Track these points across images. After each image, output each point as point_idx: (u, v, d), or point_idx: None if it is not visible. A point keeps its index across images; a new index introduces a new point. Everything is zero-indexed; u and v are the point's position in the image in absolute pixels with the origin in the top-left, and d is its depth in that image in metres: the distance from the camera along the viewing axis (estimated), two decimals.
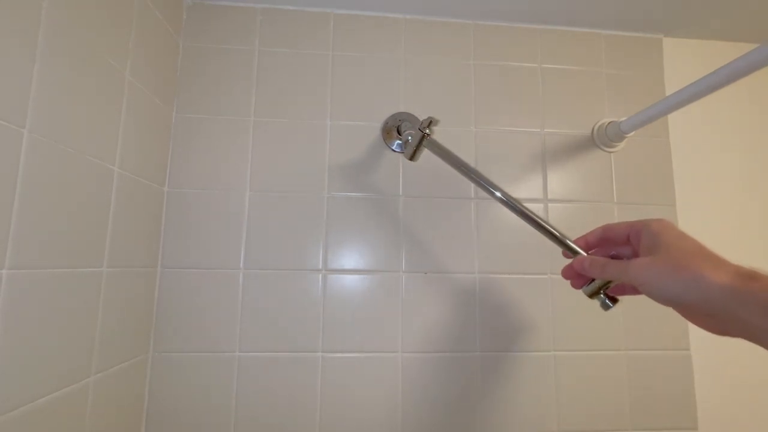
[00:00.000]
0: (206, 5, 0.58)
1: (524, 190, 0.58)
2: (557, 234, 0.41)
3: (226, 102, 0.56)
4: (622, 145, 0.59)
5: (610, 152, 0.60)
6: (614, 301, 0.37)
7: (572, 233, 0.58)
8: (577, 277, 0.38)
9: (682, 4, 0.57)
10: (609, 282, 0.36)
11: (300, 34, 0.58)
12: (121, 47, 0.43)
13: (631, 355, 0.56)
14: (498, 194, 0.43)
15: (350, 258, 0.55)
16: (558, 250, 0.57)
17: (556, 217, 0.58)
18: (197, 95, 0.56)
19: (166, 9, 0.52)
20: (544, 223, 0.41)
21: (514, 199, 0.42)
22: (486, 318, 0.55)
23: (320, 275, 0.54)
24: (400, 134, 0.56)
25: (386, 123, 0.57)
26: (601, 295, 0.38)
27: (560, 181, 0.59)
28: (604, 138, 0.59)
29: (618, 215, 0.59)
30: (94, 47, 0.38)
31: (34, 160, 0.32)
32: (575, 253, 0.39)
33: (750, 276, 0.26)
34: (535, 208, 0.58)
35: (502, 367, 0.54)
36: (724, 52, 0.65)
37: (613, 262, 0.33)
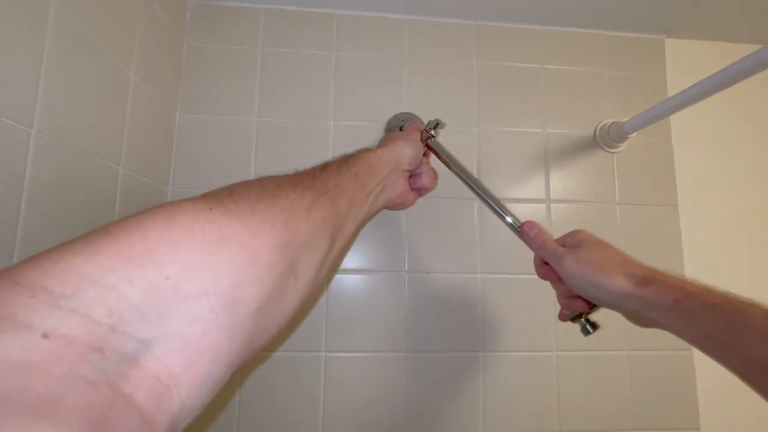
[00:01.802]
0: (210, 6, 0.58)
1: (527, 191, 0.58)
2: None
3: (230, 102, 0.56)
4: (624, 145, 0.59)
5: (613, 153, 0.60)
6: (595, 327, 0.38)
7: None
8: (541, 265, 0.41)
9: (685, 4, 0.57)
10: (593, 308, 0.37)
11: (303, 35, 0.59)
12: (127, 48, 0.43)
13: (633, 355, 0.56)
14: (495, 207, 0.43)
15: (353, 258, 0.55)
16: None
17: (558, 217, 0.58)
18: (201, 95, 0.56)
19: (171, 10, 0.52)
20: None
21: (506, 210, 0.43)
22: (488, 318, 0.55)
23: None
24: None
25: (389, 123, 0.57)
26: (582, 320, 0.39)
27: (562, 181, 0.59)
28: (607, 138, 0.59)
29: (620, 215, 0.59)
30: (100, 48, 0.39)
31: (42, 160, 0.32)
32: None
33: (647, 280, 0.31)
34: (538, 209, 0.58)
35: (504, 367, 0.54)
36: (727, 53, 0.65)
37: (553, 245, 0.38)
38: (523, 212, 0.58)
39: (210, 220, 0.19)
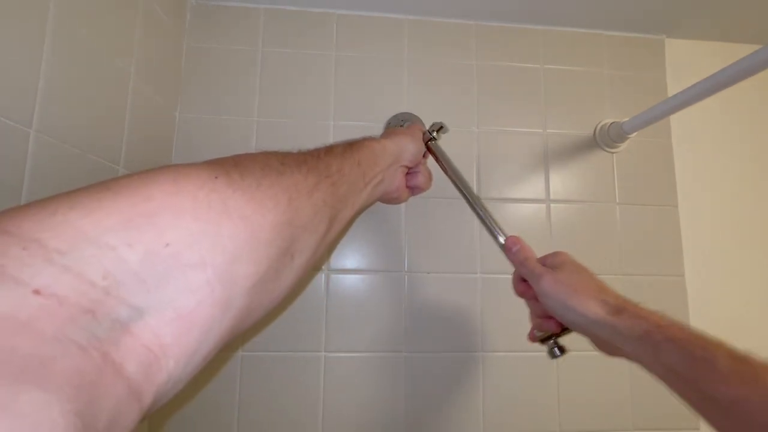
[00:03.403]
0: (210, 6, 0.58)
1: (526, 191, 0.58)
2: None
3: (230, 102, 0.56)
4: (624, 145, 0.59)
5: (612, 153, 0.60)
6: (562, 351, 0.39)
7: (573, 234, 0.58)
8: (519, 281, 0.41)
9: (685, 4, 0.57)
10: (564, 331, 0.38)
11: (303, 35, 0.59)
12: (126, 48, 0.43)
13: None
14: (483, 216, 0.43)
15: (353, 258, 0.55)
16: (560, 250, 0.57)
17: (558, 217, 0.58)
18: (201, 95, 0.56)
19: (171, 10, 0.52)
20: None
21: (495, 224, 0.43)
22: (488, 318, 0.55)
23: (323, 275, 0.54)
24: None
25: (389, 123, 0.57)
26: (551, 342, 0.40)
27: (562, 181, 0.59)
28: (606, 138, 0.59)
29: (620, 216, 0.59)
30: (99, 48, 0.39)
31: (41, 161, 0.32)
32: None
33: (618, 309, 0.31)
34: (538, 209, 0.58)
35: (504, 367, 0.54)
36: (727, 53, 0.65)
37: (534, 263, 0.37)
38: (522, 212, 0.58)
39: (215, 190, 0.18)
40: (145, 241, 0.15)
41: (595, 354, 0.56)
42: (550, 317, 0.38)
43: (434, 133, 0.47)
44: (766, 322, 0.59)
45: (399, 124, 0.57)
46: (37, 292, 0.12)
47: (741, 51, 0.37)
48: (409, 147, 0.42)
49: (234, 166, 0.21)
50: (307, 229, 0.24)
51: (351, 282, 0.54)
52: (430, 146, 0.48)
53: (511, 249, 0.40)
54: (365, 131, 0.57)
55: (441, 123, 0.48)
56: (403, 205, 0.56)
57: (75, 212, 0.14)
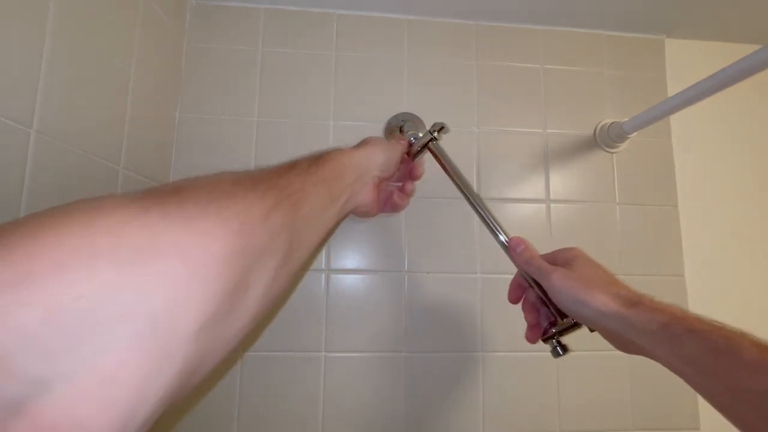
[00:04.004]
0: (210, 6, 0.58)
1: (526, 191, 0.58)
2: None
3: (230, 102, 0.56)
4: (624, 145, 0.59)
5: (612, 153, 0.60)
6: (565, 350, 0.40)
7: (573, 234, 0.58)
8: (516, 287, 0.41)
9: (685, 4, 0.57)
10: (567, 329, 0.39)
11: (303, 35, 0.59)
12: (126, 48, 0.43)
13: (633, 355, 0.56)
14: (485, 216, 0.44)
15: (353, 258, 0.55)
16: None
17: (558, 217, 0.58)
18: (201, 95, 0.56)
19: (171, 10, 0.52)
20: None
21: (498, 225, 0.43)
22: (488, 318, 0.55)
23: (323, 275, 0.54)
24: (402, 134, 0.57)
25: (389, 123, 0.57)
26: (553, 341, 0.40)
27: (562, 181, 0.59)
28: (606, 138, 0.59)
29: (620, 216, 0.59)
30: (99, 48, 0.39)
31: (41, 161, 0.32)
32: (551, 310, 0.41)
33: (633, 302, 0.30)
34: (538, 209, 0.58)
35: (504, 367, 0.54)
36: (727, 53, 0.65)
37: (540, 260, 0.37)
38: (522, 212, 0.58)
39: (143, 225, 0.16)
40: (48, 297, 0.12)
41: (595, 354, 0.57)
42: (544, 325, 0.38)
43: (435, 134, 0.47)
44: (767, 322, 0.59)
45: (399, 124, 0.57)
46: None
47: (741, 51, 0.37)
48: (378, 157, 0.39)
49: (173, 193, 0.18)
50: (264, 256, 0.21)
51: (351, 282, 0.54)
52: (430, 147, 0.48)
53: (515, 249, 0.39)
54: (365, 131, 0.57)
55: (442, 123, 0.48)
56: None
57: None
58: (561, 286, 0.33)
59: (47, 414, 0.12)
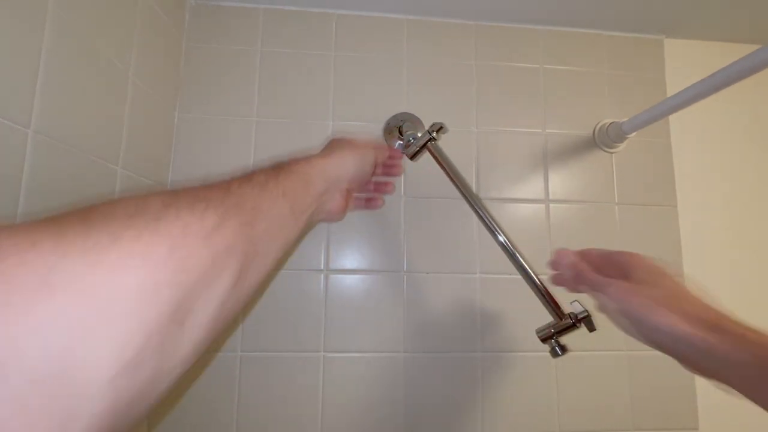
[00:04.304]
0: (209, 6, 0.58)
1: (526, 191, 0.58)
2: (538, 282, 0.43)
3: (229, 102, 0.56)
4: (623, 145, 0.59)
5: (612, 153, 0.60)
6: (564, 350, 0.41)
7: (573, 234, 0.58)
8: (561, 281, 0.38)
9: (684, 4, 0.57)
10: (565, 329, 0.40)
11: (302, 35, 0.59)
12: (125, 48, 0.43)
13: (633, 355, 0.56)
14: (483, 215, 0.44)
15: (352, 258, 0.55)
16: None
17: (557, 217, 0.58)
18: (200, 95, 0.56)
19: (170, 10, 0.52)
20: (520, 259, 0.44)
21: (497, 225, 0.44)
22: (487, 318, 0.55)
23: (322, 275, 0.54)
24: (401, 134, 0.57)
25: (388, 123, 0.57)
26: (552, 341, 0.42)
27: (562, 181, 0.59)
28: (606, 139, 0.59)
29: (619, 216, 0.59)
30: (98, 48, 0.39)
31: (39, 161, 0.32)
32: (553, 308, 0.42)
33: (712, 326, 0.26)
34: (537, 209, 0.58)
35: (503, 367, 0.54)
36: (726, 53, 0.65)
37: (592, 273, 0.33)
38: (522, 212, 0.58)
39: (26, 263, 0.13)
40: None
41: (595, 354, 0.57)
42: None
43: (434, 134, 0.47)
44: (766, 322, 0.59)
45: (399, 124, 0.57)
46: None
47: (741, 51, 0.37)
48: (350, 167, 0.36)
49: (81, 220, 0.16)
50: (204, 282, 0.18)
51: (350, 282, 0.54)
52: (429, 147, 0.48)
53: (560, 262, 0.35)
54: (365, 131, 0.57)
55: (441, 123, 0.48)
56: (402, 205, 0.56)
57: None
58: (621, 304, 0.29)
59: None
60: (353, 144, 0.39)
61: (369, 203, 0.48)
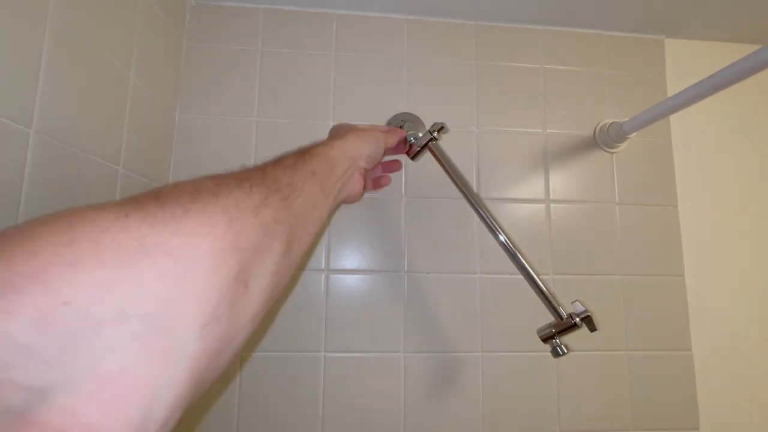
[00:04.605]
0: (209, 6, 0.58)
1: (526, 191, 0.58)
2: (536, 278, 0.44)
3: (229, 102, 0.56)
4: (623, 145, 0.59)
5: (612, 153, 0.60)
6: (565, 350, 0.42)
7: (573, 234, 0.58)
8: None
9: (685, 4, 0.57)
10: (566, 329, 0.42)
11: (302, 35, 0.59)
12: (126, 48, 0.43)
13: (632, 355, 0.56)
14: (484, 215, 0.45)
15: (353, 258, 0.55)
16: (560, 251, 0.58)
17: (558, 217, 0.58)
18: (200, 95, 0.56)
19: (170, 10, 0.52)
20: (521, 257, 0.44)
21: (498, 224, 0.44)
22: (487, 318, 0.55)
23: (323, 275, 0.54)
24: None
25: (389, 123, 0.57)
26: (554, 341, 0.42)
27: (562, 181, 0.59)
28: (606, 139, 0.59)
29: (619, 216, 0.59)
30: (99, 48, 0.39)
31: (41, 161, 0.32)
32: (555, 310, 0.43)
33: None
34: (537, 209, 0.58)
35: (503, 368, 0.54)
36: (726, 53, 0.65)
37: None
38: (522, 212, 0.58)
39: (125, 229, 0.15)
40: (32, 304, 0.12)
41: (595, 354, 0.57)
42: None
43: (435, 134, 0.47)
44: (766, 322, 0.59)
45: (399, 124, 0.57)
46: None
47: (741, 51, 0.37)
48: (365, 148, 0.39)
49: (154, 198, 0.18)
50: (259, 251, 0.21)
51: (351, 282, 0.54)
52: (431, 146, 0.48)
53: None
54: None
55: (442, 123, 0.48)
56: (403, 205, 0.56)
57: None
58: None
59: (53, 422, 0.12)
60: (364, 130, 0.42)
61: (378, 182, 0.51)
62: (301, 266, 0.54)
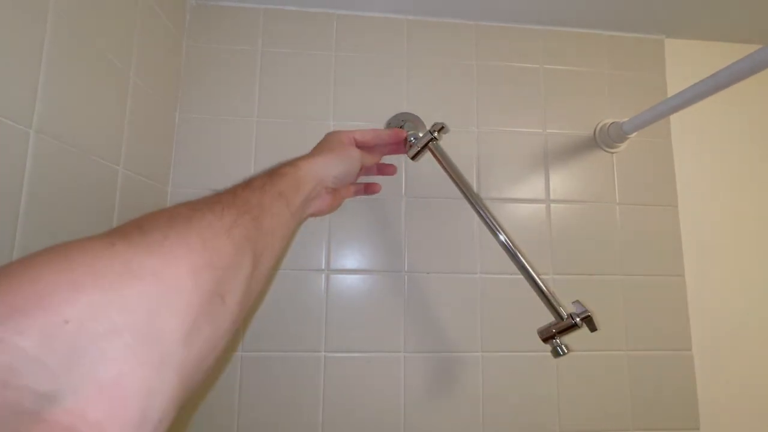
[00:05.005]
0: (209, 6, 0.58)
1: (526, 191, 0.58)
2: (537, 279, 0.44)
3: (230, 102, 0.56)
4: (624, 145, 0.59)
5: (612, 153, 0.60)
6: (566, 350, 0.42)
7: (573, 234, 0.58)
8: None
9: (684, 5, 0.57)
10: (566, 329, 0.42)
11: (303, 35, 0.59)
12: (126, 48, 0.43)
13: (633, 355, 0.56)
14: (485, 215, 0.45)
15: (353, 258, 0.55)
16: (560, 251, 0.58)
17: (558, 217, 0.58)
18: (200, 96, 0.56)
19: (170, 10, 0.52)
20: (520, 256, 0.44)
21: (498, 224, 0.44)
22: (487, 318, 0.55)
23: (323, 275, 0.54)
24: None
25: (389, 123, 0.57)
26: (554, 341, 0.43)
27: (562, 181, 0.59)
28: (606, 138, 0.59)
29: (620, 216, 0.59)
30: (99, 48, 0.39)
31: (41, 160, 0.32)
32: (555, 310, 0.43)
33: None
34: (538, 209, 0.58)
35: (503, 367, 0.54)
36: (727, 53, 0.65)
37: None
38: (522, 212, 0.58)
39: (114, 256, 0.18)
40: (38, 324, 0.14)
41: (595, 354, 0.57)
42: None
43: (435, 134, 0.47)
44: (766, 322, 0.59)
45: (399, 124, 0.57)
46: None
47: (741, 51, 0.37)
48: (334, 169, 0.40)
49: (136, 227, 0.20)
50: (232, 268, 0.23)
51: (351, 282, 0.54)
52: (431, 146, 0.48)
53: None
54: None
55: (442, 123, 0.48)
56: (403, 205, 0.56)
57: None
58: None
59: (62, 419, 0.14)
60: (337, 149, 0.42)
61: (371, 188, 0.52)
62: (303, 266, 0.54)
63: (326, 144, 0.43)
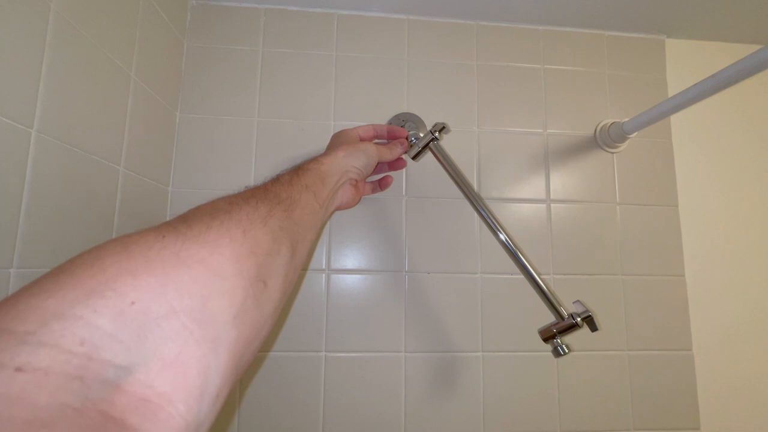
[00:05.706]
0: (210, 6, 0.58)
1: (527, 191, 0.58)
2: (537, 278, 0.44)
3: (230, 102, 0.56)
4: (624, 145, 0.59)
5: (613, 153, 0.60)
6: (567, 350, 0.42)
7: (574, 234, 0.59)
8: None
9: (685, 4, 0.57)
10: (566, 329, 0.42)
11: (304, 35, 0.59)
12: (127, 48, 0.43)
13: (633, 355, 0.56)
14: (485, 215, 0.46)
15: (354, 258, 0.55)
16: (561, 251, 0.58)
17: (559, 217, 0.58)
18: (201, 95, 0.56)
19: (171, 10, 0.52)
20: (520, 254, 0.45)
21: (499, 224, 0.45)
22: (488, 318, 0.55)
23: (324, 275, 0.54)
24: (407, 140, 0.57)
25: (390, 123, 0.57)
26: (555, 341, 0.43)
27: (563, 181, 0.59)
28: (607, 139, 0.59)
29: (620, 216, 0.59)
30: (100, 48, 0.39)
31: (42, 160, 0.32)
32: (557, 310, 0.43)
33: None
34: (538, 209, 0.58)
35: (504, 367, 0.54)
36: (727, 54, 0.65)
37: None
38: (523, 212, 0.58)
39: (165, 246, 0.19)
40: (110, 305, 0.16)
41: (595, 354, 0.57)
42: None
43: (436, 134, 0.47)
44: (766, 322, 0.59)
45: (400, 124, 0.57)
46: (19, 369, 0.13)
47: (741, 51, 0.38)
48: (356, 160, 0.43)
49: (182, 221, 0.22)
50: (271, 255, 0.25)
51: (351, 282, 0.54)
52: (432, 146, 0.48)
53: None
54: None
55: (443, 123, 0.48)
56: (403, 204, 0.56)
57: (37, 297, 0.15)
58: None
59: (135, 389, 0.15)
60: (354, 137, 0.46)
61: (384, 181, 0.53)
62: (305, 267, 0.54)
63: (340, 141, 0.45)
